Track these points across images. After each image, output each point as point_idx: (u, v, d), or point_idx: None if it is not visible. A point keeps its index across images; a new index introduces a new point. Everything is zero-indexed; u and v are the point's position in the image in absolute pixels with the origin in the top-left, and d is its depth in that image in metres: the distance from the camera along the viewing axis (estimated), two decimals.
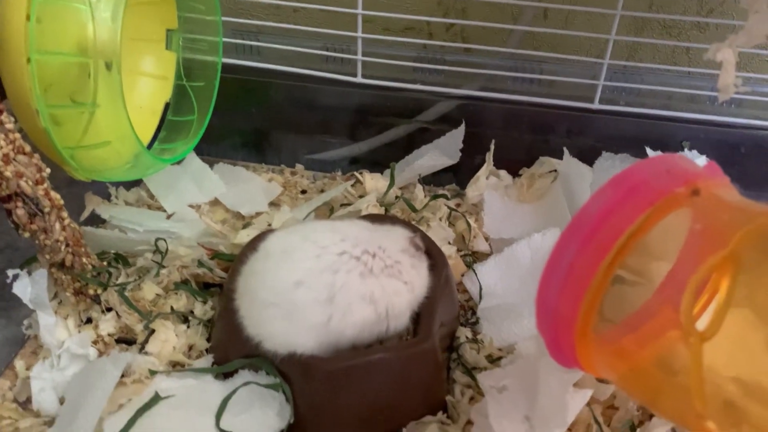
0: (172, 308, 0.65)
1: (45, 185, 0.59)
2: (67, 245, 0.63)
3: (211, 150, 0.94)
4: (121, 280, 0.69)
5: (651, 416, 0.56)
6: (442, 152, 0.86)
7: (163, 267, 0.69)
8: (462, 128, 0.86)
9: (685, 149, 0.85)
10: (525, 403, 0.53)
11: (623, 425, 0.56)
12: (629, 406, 0.57)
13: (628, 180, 0.43)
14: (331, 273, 0.56)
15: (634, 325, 0.47)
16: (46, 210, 0.60)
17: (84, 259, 0.65)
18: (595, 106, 0.85)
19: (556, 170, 0.85)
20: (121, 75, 0.63)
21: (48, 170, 0.60)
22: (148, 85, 0.86)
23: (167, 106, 0.86)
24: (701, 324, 0.39)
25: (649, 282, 0.48)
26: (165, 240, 0.71)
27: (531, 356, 0.56)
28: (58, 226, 0.61)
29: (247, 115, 0.94)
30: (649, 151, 0.83)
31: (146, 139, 0.83)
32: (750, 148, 0.87)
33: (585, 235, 0.42)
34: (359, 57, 0.85)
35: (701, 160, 0.82)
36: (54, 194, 0.60)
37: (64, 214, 0.62)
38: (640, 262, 0.48)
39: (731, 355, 0.41)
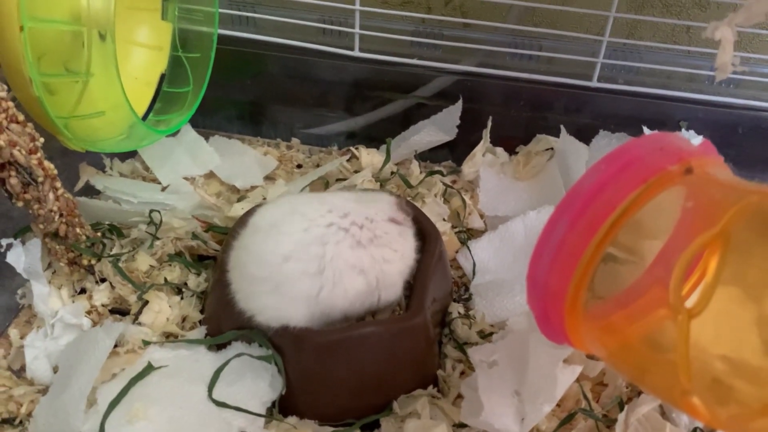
0: (165, 280, 0.66)
1: (38, 154, 0.59)
2: (61, 215, 0.63)
3: (206, 122, 0.93)
4: (115, 251, 0.69)
5: (639, 393, 0.57)
6: (438, 128, 0.86)
7: (157, 239, 0.69)
8: (459, 104, 0.86)
9: (683, 129, 0.85)
10: (514, 377, 0.54)
11: (612, 401, 0.57)
12: (618, 383, 0.58)
13: (621, 157, 0.42)
14: (320, 245, 0.56)
15: (624, 302, 0.47)
16: (40, 179, 0.60)
17: (78, 230, 0.65)
18: (594, 84, 0.85)
19: (552, 148, 0.85)
20: (115, 44, 0.62)
21: (41, 139, 0.59)
22: (143, 56, 0.85)
23: (162, 77, 0.85)
24: (690, 302, 0.39)
25: (641, 260, 0.48)
26: (159, 212, 0.71)
27: (522, 332, 0.57)
28: (51, 195, 0.61)
29: (243, 88, 0.94)
30: (646, 130, 0.82)
31: (141, 110, 0.82)
32: (748, 128, 0.86)
33: (577, 210, 0.42)
34: (357, 30, 0.84)
35: (698, 140, 0.82)
36: (47, 164, 0.60)
37: (58, 183, 0.62)
38: (632, 240, 0.48)
39: (719, 333, 0.41)
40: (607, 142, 0.80)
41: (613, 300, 0.48)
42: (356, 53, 0.86)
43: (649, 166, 0.41)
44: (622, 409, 0.55)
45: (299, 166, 0.89)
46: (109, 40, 0.62)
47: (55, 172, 0.61)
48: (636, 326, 0.45)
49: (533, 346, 0.53)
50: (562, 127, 0.83)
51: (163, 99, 0.84)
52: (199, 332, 0.62)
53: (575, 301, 0.43)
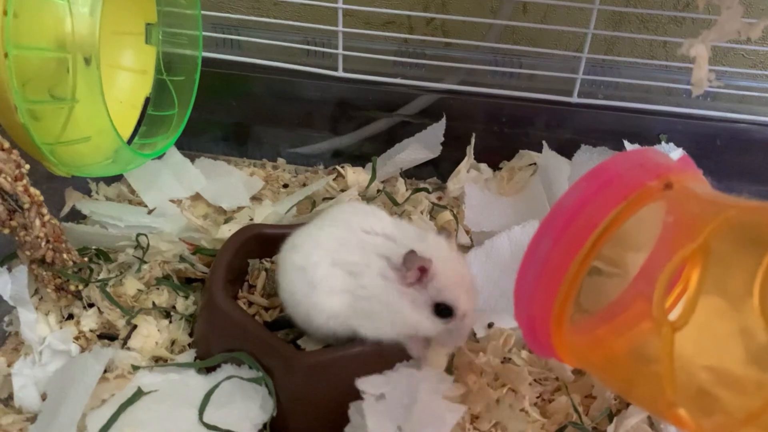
0: (153, 303, 0.65)
1: (24, 181, 0.59)
2: (48, 241, 0.63)
3: (191, 144, 0.93)
4: (102, 275, 0.69)
5: (628, 405, 0.57)
6: (423, 146, 0.87)
7: (145, 262, 0.69)
8: (443, 122, 0.87)
9: (662, 142, 0.86)
10: (401, 412, 0.53)
11: (601, 414, 0.57)
12: (607, 395, 0.58)
13: (602, 174, 0.43)
14: None
15: (609, 316, 0.48)
16: (26, 206, 0.60)
17: (65, 255, 0.65)
18: (574, 99, 0.86)
19: (535, 163, 0.86)
20: (100, 70, 0.63)
21: (27, 166, 0.60)
22: (127, 80, 0.85)
23: (147, 100, 0.85)
24: (674, 315, 0.40)
25: (626, 273, 0.49)
26: (146, 235, 0.71)
27: (410, 370, 0.56)
28: (38, 222, 0.61)
29: (228, 109, 0.94)
30: (627, 144, 0.84)
31: (126, 133, 0.82)
32: (726, 140, 0.88)
33: (560, 228, 0.43)
34: (340, 51, 0.85)
35: (678, 153, 0.84)
36: (33, 190, 0.60)
37: (44, 210, 0.62)
38: (617, 253, 0.49)
39: (703, 344, 0.42)
40: (588, 157, 0.81)
41: (598, 314, 0.49)
42: (340, 73, 0.87)
43: (629, 182, 0.42)
44: (611, 422, 0.56)
45: (285, 186, 0.90)
46: (94, 65, 0.62)
47: (41, 198, 0.61)
48: (621, 340, 0.46)
49: (421, 384, 0.54)
50: (544, 142, 0.85)
51: (148, 122, 0.84)
52: (189, 355, 0.62)
53: (561, 317, 0.44)
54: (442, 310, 0.54)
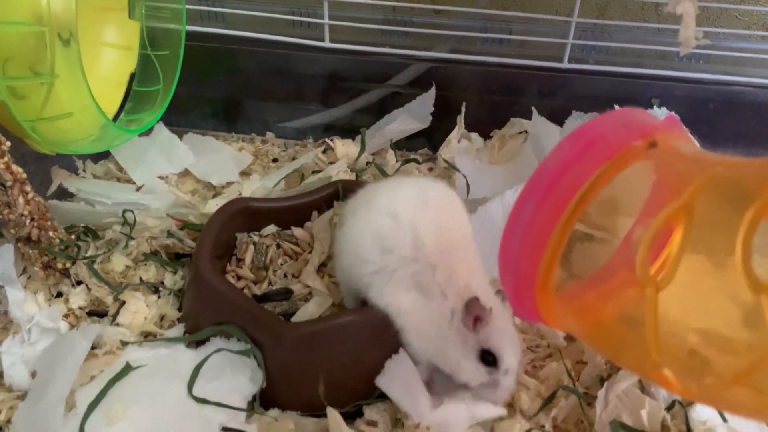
0: (141, 279, 0.65)
1: (5, 159, 0.58)
2: (32, 219, 0.62)
3: (179, 120, 0.92)
4: (90, 253, 0.68)
5: (618, 369, 0.57)
6: (412, 116, 0.86)
7: (132, 239, 0.69)
8: (432, 92, 0.86)
9: (655, 106, 0.85)
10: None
11: (592, 379, 0.57)
12: (597, 361, 0.58)
13: (585, 135, 0.43)
14: None
15: (598, 281, 0.47)
16: (8, 184, 0.59)
17: (51, 233, 0.65)
18: (565, 65, 0.85)
19: (526, 131, 0.85)
20: (78, 44, 0.62)
21: (8, 143, 0.59)
22: (112, 56, 0.84)
23: (132, 76, 0.84)
24: (658, 276, 0.39)
25: (617, 239, 0.49)
26: (132, 212, 0.70)
27: None
28: (21, 200, 0.60)
29: (215, 84, 0.93)
30: (617, 109, 0.82)
31: (112, 110, 0.81)
32: (719, 103, 0.87)
33: (543, 191, 0.42)
34: (326, 21, 0.84)
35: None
36: (16, 168, 0.59)
37: (28, 187, 0.61)
38: (609, 219, 0.48)
39: (691, 306, 0.41)
40: (579, 123, 0.80)
41: (587, 279, 0.48)
42: (327, 44, 0.86)
43: (613, 142, 0.41)
44: (602, 386, 0.56)
45: (275, 160, 0.89)
46: (73, 40, 0.61)
47: (24, 176, 0.60)
48: (609, 305, 0.45)
49: None
50: (533, 109, 0.84)
51: (134, 98, 0.83)
52: (178, 330, 0.61)
53: (546, 281, 0.43)
54: (488, 358, 0.53)
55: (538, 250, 0.43)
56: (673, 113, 0.70)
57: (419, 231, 0.56)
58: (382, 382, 0.55)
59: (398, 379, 0.55)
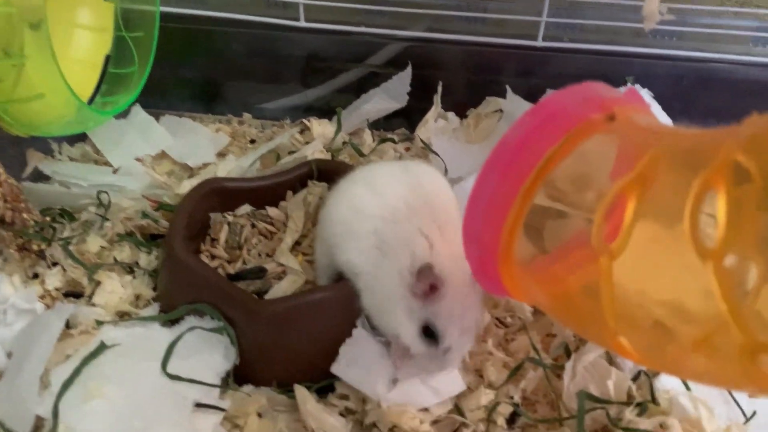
0: (115, 259, 0.65)
1: None
2: (5, 201, 0.62)
3: (156, 102, 0.92)
4: (65, 234, 0.68)
5: (586, 342, 0.58)
6: (389, 96, 0.86)
7: (107, 220, 0.69)
8: (408, 71, 0.86)
9: (629, 83, 0.85)
10: None
11: (557, 348, 0.58)
12: (566, 333, 0.59)
13: (545, 108, 0.43)
14: None
15: (563, 254, 0.48)
16: None
17: (25, 215, 0.65)
18: (539, 43, 0.85)
19: (501, 110, 0.86)
20: (48, 26, 0.61)
21: None
22: (86, 38, 0.84)
23: (108, 59, 0.84)
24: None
25: (588, 214, 0.49)
26: (107, 193, 0.71)
27: None
28: None
29: (192, 65, 0.93)
30: None
31: (87, 93, 0.81)
32: (694, 80, 0.88)
33: (504, 163, 0.43)
34: (301, 0, 0.84)
35: (644, 93, 0.83)
36: None
37: (0, 169, 0.61)
38: (581, 196, 0.49)
39: (655, 278, 0.42)
40: None
41: (553, 252, 0.49)
42: (302, 23, 0.86)
43: (572, 115, 0.42)
44: (569, 357, 0.57)
45: (252, 142, 0.89)
46: (42, 22, 0.61)
47: None
48: (573, 277, 0.46)
49: None
50: (507, 87, 0.84)
51: (109, 80, 0.83)
52: (153, 310, 0.62)
53: (508, 251, 0.44)
54: (429, 334, 0.52)
55: (499, 221, 0.43)
56: (635, 87, 0.70)
57: (390, 192, 0.57)
58: (338, 369, 0.55)
59: (353, 363, 0.55)
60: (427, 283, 0.51)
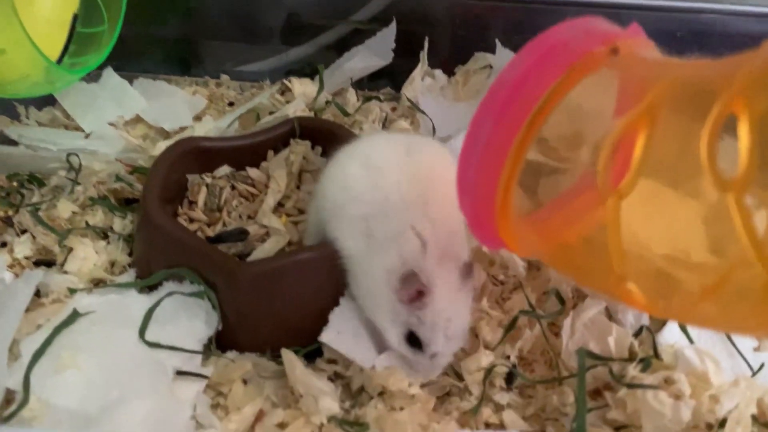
0: (87, 223, 0.62)
1: None
2: None
3: (129, 65, 0.88)
4: (35, 200, 0.65)
5: (585, 298, 0.56)
6: (372, 53, 0.83)
7: (78, 184, 0.65)
8: (393, 26, 0.82)
9: None
10: None
11: (557, 312, 0.56)
12: (563, 289, 0.56)
13: (544, 43, 0.40)
14: None
15: (563, 204, 0.45)
16: None
17: None
18: None
19: (491, 66, 0.82)
20: None
21: None
22: None
23: (76, 18, 0.80)
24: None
25: (584, 168, 0.47)
26: (77, 155, 0.67)
27: None
28: None
29: (166, 25, 0.89)
30: None
31: (55, 53, 0.77)
32: (686, 33, 0.85)
33: (501, 105, 0.40)
34: None
35: None
36: None
37: None
38: (575, 153, 0.46)
39: (658, 227, 0.40)
40: None
41: (552, 202, 0.46)
42: None
43: (574, 49, 0.39)
44: (564, 308, 0.54)
45: (231, 104, 0.85)
46: None
47: None
48: (575, 224, 0.44)
49: None
50: (497, 41, 0.81)
51: (77, 40, 0.79)
52: (129, 276, 0.59)
53: (506, 200, 0.41)
54: (413, 340, 0.50)
55: (496, 169, 0.40)
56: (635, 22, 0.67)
57: (386, 178, 0.53)
58: (327, 336, 0.52)
59: (343, 332, 0.53)
60: (413, 290, 0.48)
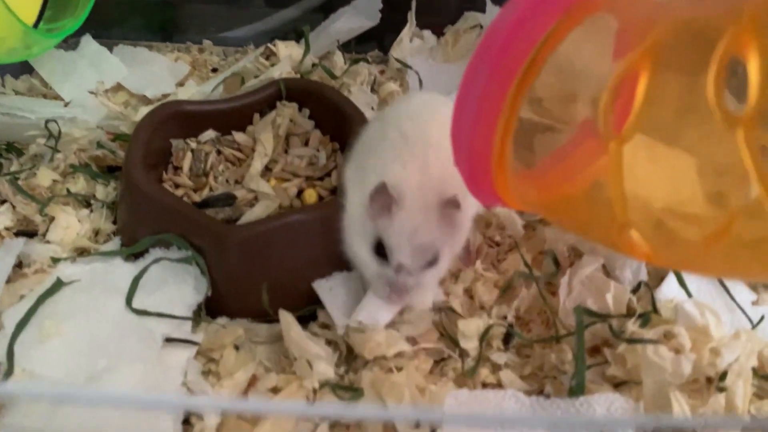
0: (68, 190, 0.60)
1: None
2: None
3: (109, 33, 0.85)
4: (13, 169, 0.63)
5: (581, 255, 0.55)
6: (359, 13, 0.80)
7: (58, 151, 0.63)
8: None
9: None
10: None
11: (552, 272, 0.55)
12: (559, 248, 0.55)
13: None
14: None
15: (562, 156, 0.44)
16: None
17: None
18: None
19: (481, 25, 0.80)
20: None
21: None
22: None
23: None
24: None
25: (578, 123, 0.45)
26: (56, 122, 0.65)
27: None
28: None
29: None
30: None
31: (31, 18, 0.74)
32: None
33: (495, 54, 0.38)
34: None
35: None
36: None
37: None
38: (569, 111, 0.45)
39: (657, 180, 0.38)
40: None
41: (550, 155, 0.45)
42: None
43: None
44: (557, 271, 0.54)
45: (214, 70, 0.83)
46: None
47: None
48: (575, 178, 0.42)
49: None
50: (487, 0, 0.78)
51: (53, 5, 0.76)
52: (114, 244, 0.57)
53: (502, 156, 0.40)
54: (379, 249, 0.48)
55: (492, 121, 0.39)
56: None
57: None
58: (319, 285, 0.52)
59: (335, 288, 0.53)
60: (382, 202, 0.47)
